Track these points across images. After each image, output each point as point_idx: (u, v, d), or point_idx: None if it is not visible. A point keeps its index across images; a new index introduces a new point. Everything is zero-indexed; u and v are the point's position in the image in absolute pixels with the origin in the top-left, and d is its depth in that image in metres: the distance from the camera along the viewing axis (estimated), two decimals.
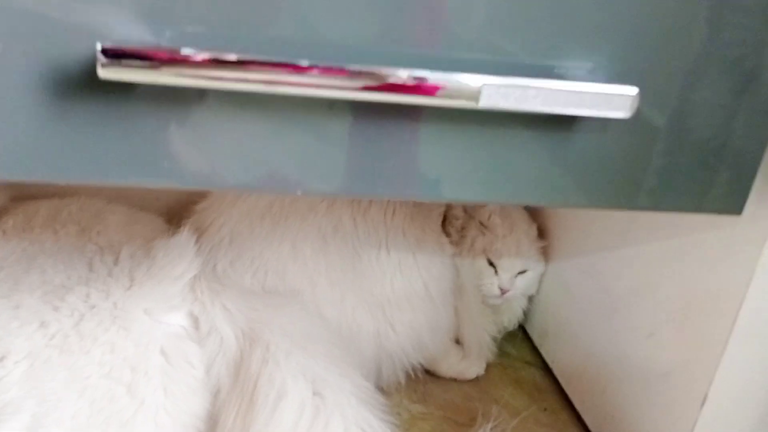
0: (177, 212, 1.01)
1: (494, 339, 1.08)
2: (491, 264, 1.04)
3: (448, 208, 1.07)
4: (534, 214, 1.12)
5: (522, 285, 1.06)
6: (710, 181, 0.58)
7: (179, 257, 0.83)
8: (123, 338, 0.74)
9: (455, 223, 1.06)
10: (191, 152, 0.50)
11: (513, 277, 1.05)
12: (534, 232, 1.09)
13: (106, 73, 0.42)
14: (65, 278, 0.77)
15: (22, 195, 0.95)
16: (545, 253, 1.09)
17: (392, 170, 0.52)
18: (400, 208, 0.98)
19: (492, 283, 1.03)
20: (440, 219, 1.05)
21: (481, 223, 1.06)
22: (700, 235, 0.73)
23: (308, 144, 0.51)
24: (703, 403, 0.72)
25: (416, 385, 0.98)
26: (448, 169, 0.53)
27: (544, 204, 0.56)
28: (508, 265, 1.04)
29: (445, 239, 1.04)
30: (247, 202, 0.95)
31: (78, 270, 0.79)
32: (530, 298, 1.12)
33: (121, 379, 0.72)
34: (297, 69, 0.43)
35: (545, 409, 0.98)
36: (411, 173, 0.52)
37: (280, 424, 0.70)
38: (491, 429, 0.84)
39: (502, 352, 1.09)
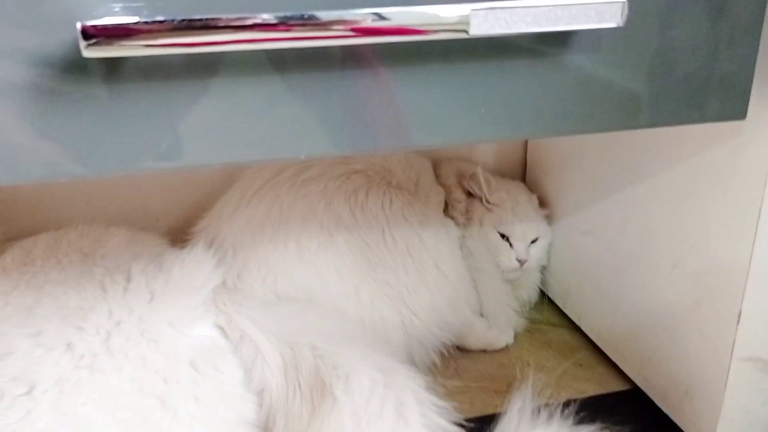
0: (178, 233, 1.02)
1: (518, 313, 1.09)
2: (504, 238, 1.06)
3: (448, 193, 1.09)
4: (530, 187, 1.16)
5: (536, 254, 1.10)
6: (709, 88, 0.59)
7: (196, 269, 0.86)
8: (154, 351, 0.76)
9: (458, 207, 1.09)
10: (187, 130, 0.51)
11: (527, 247, 1.08)
12: (536, 201, 1.14)
13: (90, 51, 0.43)
14: (80, 300, 0.79)
15: (16, 233, 0.95)
16: (549, 221, 1.12)
17: (391, 119, 0.54)
18: (397, 197, 1.01)
19: (509, 257, 1.07)
20: (441, 205, 1.08)
21: (487, 201, 1.07)
22: (707, 155, 0.74)
23: (300, 106, 0.52)
24: (738, 321, 0.73)
25: (449, 362, 1.01)
26: (446, 111, 0.54)
27: (547, 134, 0.58)
28: (521, 235, 1.08)
29: (449, 221, 1.07)
30: (245, 212, 0.97)
31: (91, 291, 0.80)
32: (544, 269, 1.13)
33: (155, 392, 0.74)
34: (278, 25, 0.44)
35: (580, 365, 0.99)
36: (409, 120, 0.54)
37: (351, 402, 0.71)
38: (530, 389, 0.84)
39: (528, 320, 1.10)
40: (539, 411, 0.75)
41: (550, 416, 0.73)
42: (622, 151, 0.92)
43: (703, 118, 0.62)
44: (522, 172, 1.21)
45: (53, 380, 0.73)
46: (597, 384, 0.96)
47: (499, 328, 1.05)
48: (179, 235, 1.02)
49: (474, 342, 1.04)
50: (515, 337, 1.07)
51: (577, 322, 1.08)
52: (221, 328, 0.84)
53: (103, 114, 0.50)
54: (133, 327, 0.77)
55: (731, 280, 0.74)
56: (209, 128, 0.52)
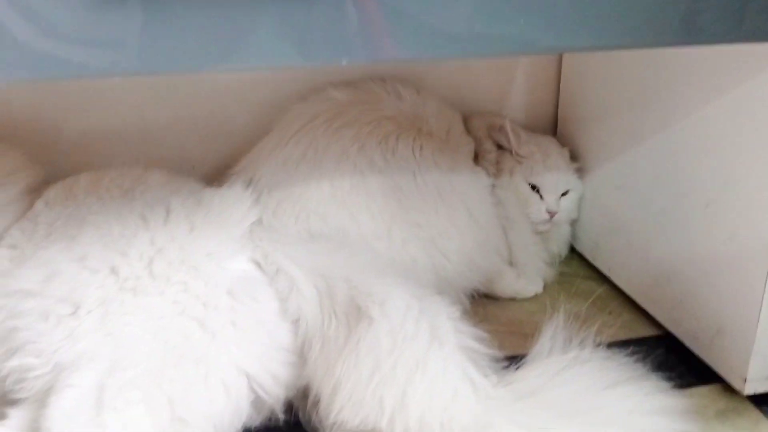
0: (212, 181, 1.04)
1: (548, 265, 1.10)
2: (535, 190, 1.07)
3: (478, 144, 1.09)
4: (562, 142, 1.17)
5: (566, 206, 1.11)
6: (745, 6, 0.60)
7: (234, 205, 0.89)
8: (194, 278, 0.79)
9: (488, 157, 1.10)
10: (232, 34, 0.53)
11: (558, 199, 1.08)
12: (567, 154, 1.15)
13: None
14: (122, 229, 0.82)
15: (57, 176, 0.97)
16: (580, 174, 1.13)
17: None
18: (427, 143, 1.03)
19: (539, 209, 1.08)
20: (471, 154, 1.09)
21: (517, 154, 1.08)
22: (741, 90, 0.75)
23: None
24: None
25: (478, 308, 1.01)
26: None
27: (586, 47, 0.59)
28: (551, 187, 1.09)
29: (479, 169, 1.08)
30: (282, 154, 0.99)
31: (132, 221, 0.83)
32: (573, 223, 1.14)
33: (195, 315, 0.77)
34: None
35: (610, 313, 1.01)
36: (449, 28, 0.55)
37: (388, 322, 0.73)
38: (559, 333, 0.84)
39: (557, 272, 1.11)
40: (571, 339, 0.76)
41: (583, 342, 0.75)
42: (653, 96, 0.93)
43: (739, 38, 0.62)
44: (553, 128, 1.22)
45: (98, 301, 0.75)
46: (627, 330, 0.98)
47: (528, 277, 1.06)
48: (214, 183, 1.04)
49: (503, 289, 1.05)
50: (544, 287, 1.09)
51: (606, 274, 1.09)
52: (257, 263, 0.86)
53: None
54: (175, 254, 0.80)
55: (765, 214, 0.75)
56: (256, 31, 0.54)
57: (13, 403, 0.75)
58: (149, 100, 1.09)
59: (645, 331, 0.97)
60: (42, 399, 0.72)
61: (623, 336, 0.96)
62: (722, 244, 0.82)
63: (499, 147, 1.11)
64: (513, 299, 1.06)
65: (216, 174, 1.09)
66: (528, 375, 0.73)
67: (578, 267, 1.15)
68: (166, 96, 1.09)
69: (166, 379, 0.71)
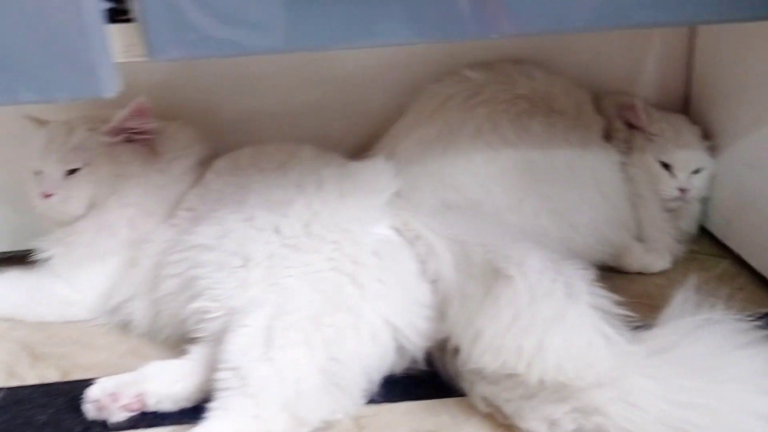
0: (352, 157, 1.13)
1: (677, 242, 1.11)
2: (666, 167, 1.09)
3: (609, 122, 1.12)
4: (694, 120, 1.17)
5: (698, 184, 1.12)
6: None
7: (378, 175, 0.98)
8: (344, 238, 0.88)
9: (619, 136, 1.13)
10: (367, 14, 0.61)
11: (689, 177, 1.10)
12: (699, 132, 1.14)
13: None
14: (281, 195, 0.92)
15: (219, 151, 1.09)
16: (712, 152, 1.13)
17: None
18: (559, 120, 1.06)
19: (670, 186, 1.10)
20: (601, 132, 1.12)
21: (648, 132, 1.10)
22: None
23: None
24: None
25: (605, 281, 1.03)
26: None
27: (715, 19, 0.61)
28: (683, 165, 1.10)
29: (610, 147, 1.10)
30: (419, 132, 1.07)
31: (290, 189, 0.94)
32: (704, 200, 1.14)
33: (346, 270, 0.86)
34: None
35: (740, 289, 1.00)
36: None
37: (526, 279, 0.78)
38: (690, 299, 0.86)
39: (686, 250, 1.12)
40: (701, 305, 0.79)
41: (713, 306, 0.77)
42: None
43: None
44: (684, 106, 1.22)
45: (264, 255, 0.86)
46: (757, 304, 0.98)
47: (656, 252, 1.09)
48: (354, 158, 1.13)
49: (631, 263, 1.08)
50: (673, 263, 1.10)
51: (737, 251, 1.09)
52: (398, 230, 0.94)
53: None
54: (328, 217, 0.90)
55: None
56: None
57: (192, 341, 0.87)
58: (296, 83, 1.19)
59: None
60: (217, 338, 0.83)
61: (752, 310, 0.96)
62: None
63: (630, 126, 1.13)
64: (640, 273, 1.08)
65: (355, 151, 1.18)
66: (660, 333, 0.77)
67: (708, 245, 1.15)
68: (311, 79, 1.19)
69: (322, 325, 0.81)
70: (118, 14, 0.64)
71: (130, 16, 0.64)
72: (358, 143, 1.21)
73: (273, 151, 1.04)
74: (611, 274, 1.08)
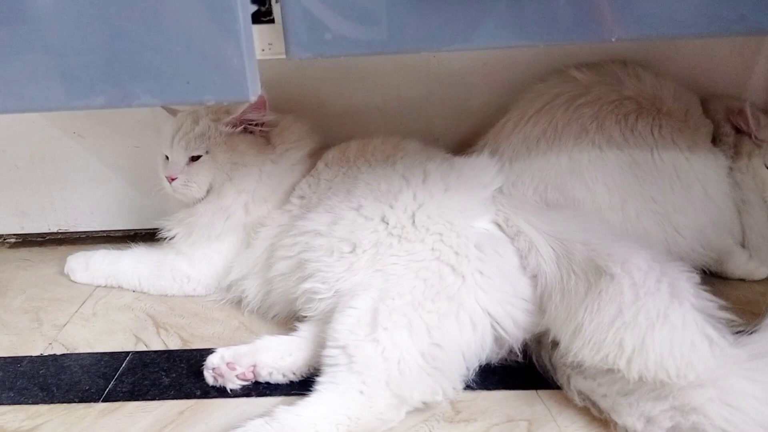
0: (454, 152, 1.16)
1: None
2: None
3: (716, 128, 1.11)
4: None
5: None
6: None
7: (482, 170, 1.01)
8: (448, 230, 0.92)
9: (726, 140, 1.12)
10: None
11: None
12: None
13: None
14: (388, 186, 0.97)
15: (327, 143, 1.15)
16: None
17: None
18: (667, 123, 1.07)
19: None
20: (709, 136, 1.11)
21: (757, 137, 1.08)
22: None
23: None
24: None
25: (707, 285, 1.02)
26: None
27: None
28: None
29: (717, 151, 1.10)
30: (523, 131, 1.09)
31: (396, 181, 0.98)
32: None
33: (449, 260, 0.89)
34: None
35: None
36: None
37: (630, 277, 0.80)
38: None
39: None
40: None
41: None
42: None
43: None
44: None
45: (371, 243, 0.91)
46: None
47: (760, 260, 1.07)
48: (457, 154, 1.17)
49: (733, 269, 1.07)
50: None
51: None
52: (499, 225, 0.97)
53: None
54: (433, 209, 0.93)
55: None
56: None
57: (302, 319, 0.94)
58: (403, 79, 1.24)
59: None
60: (324, 318, 0.89)
61: None
62: None
63: (738, 131, 1.12)
64: (742, 280, 1.07)
65: (456, 147, 1.21)
66: (762, 338, 0.77)
67: None
68: (417, 76, 1.24)
69: (425, 311, 0.85)
70: (260, 15, 0.70)
71: (272, 17, 0.69)
72: (460, 139, 1.25)
73: (379, 143, 1.09)
74: (712, 279, 1.07)
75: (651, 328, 0.75)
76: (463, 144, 1.21)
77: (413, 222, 0.92)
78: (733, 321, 0.80)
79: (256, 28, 0.70)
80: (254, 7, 0.67)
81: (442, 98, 1.25)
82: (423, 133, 1.25)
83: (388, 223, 0.92)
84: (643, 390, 0.75)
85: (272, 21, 0.69)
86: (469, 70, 1.23)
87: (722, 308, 0.80)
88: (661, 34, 0.69)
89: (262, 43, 0.71)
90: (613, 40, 0.66)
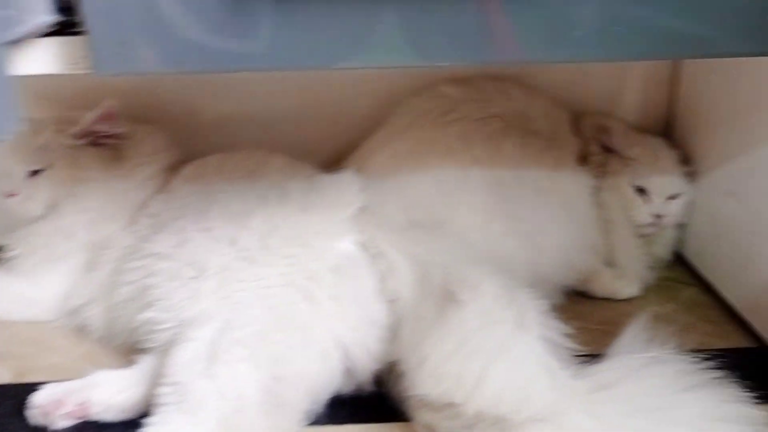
0: (329, 167, 1.12)
1: (649, 269, 1.10)
2: (641, 193, 1.07)
3: (585, 146, 1.11)
4: (676, 144, 1.16)
5: (674, 210, 1.10)
6: None
7: (344, 188, 0.97)
8: (303, 253, 0.87)
9: (594, 159, 1.12)
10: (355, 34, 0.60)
11: (665, 202, 1.08)
12: (677, 156, 1.13)
13: None
14: (243, 206, 0.91)
15: (192, 156, 1.09)
16: (690, 178, 1.11)
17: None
18: (533, 142, 1.06)
19: (645, 212, 1.08)
20: (575, 155, 1.11)
21: (624, 156, 1.08)
22: None
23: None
24: None
25: (572, 305, 1.03)
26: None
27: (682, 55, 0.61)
28: (659, 190, 1.09)
29: (582, 169, 1.10)
30: (391, 148, 1.06)
31: (253, 200, 0.93)
32: (680, 227, 1.13)
33: (300, 286, 0.85)
34: None
35: (710, 321, 0.99)
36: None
37: (477, 305, 0.78)
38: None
39: (658, 276, 1.10)
40: (654, 339, 0.77)
41: (665, 343, 0.76)
42: None
43: None
44: (666, 130, 1.21)
45: (219, 267, 0.86)
46: (725, 339, 0.97)
47: (626, 279, 1.07)
48: (329, 169, 1.12)
49: (599, 289, 1.07)
50: (644, 291, 1.08)
51: (710, 281, 1.07)
52: (361, 245, 0.93)
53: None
54: (288, 231, 0.89)
55: None
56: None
57: (142, 351, 0.87)
58: (276, 90, 1.19)
59: (744, 342, 0.96)
60: (165, 350, 0.83)
61: (718, 345, 0.94)
62: None
63: (607, 149, 1.12)
64: (609, 300, 1.07)
65: (332, 160, 1.17)
66: (605, 369, 0.75)
67: (682, 273, 1.13)
68: (291, 86, 1.19)
69: (270, 341, 0.80)
70: (67, 27, 0.64)
71: (79, 29, 0.63)
72: (336, 153, 1.20)
73: (242, 159, 1.03)
74: (580, 299, 1.07)
75: (492, 360, 0.72)
76: (339, 158, 1.17)
77: (265, 244, 0.87)
78: (584, 347, 0.79)
79: (64, 41, 0.64)
80: (59, 18, 0.62)
81: (316, 110, 1.21)
82: (298, 145, 1.20)
83: (237, 246, 0.87)
84: (483, 425, 0.73)
85: (79, 33, 0.63)
86: (346, 80, 1.19)
87: (582, 330, 0.79)
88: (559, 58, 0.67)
89: (72, 56, 0.65)
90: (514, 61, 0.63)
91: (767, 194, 0.93)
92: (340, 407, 0.84)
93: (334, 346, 0.83)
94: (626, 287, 1.07)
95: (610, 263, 1.09)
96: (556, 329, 0.78)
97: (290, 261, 0.86)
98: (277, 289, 0.84)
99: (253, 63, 0.66)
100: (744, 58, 0.97)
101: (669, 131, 1.20)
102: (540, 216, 1.01)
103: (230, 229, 0.89)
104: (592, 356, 0.80)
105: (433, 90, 1.11)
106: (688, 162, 1.12)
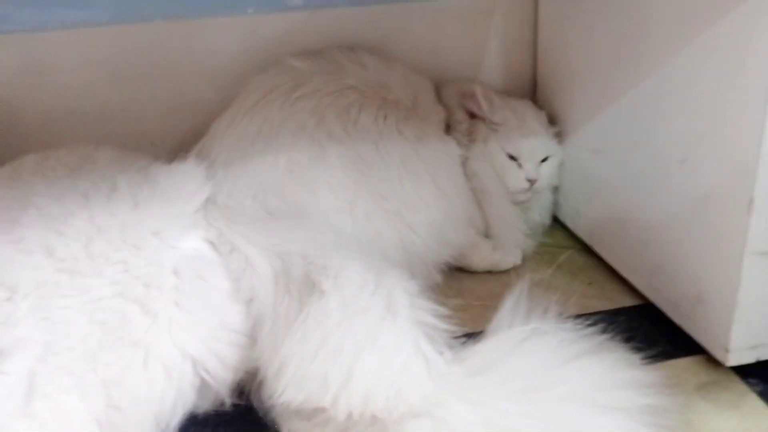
0: (175, 157, 1.00)
1: (528, 236, 1.05)
2: (512, 158, 1.02)
3: (450, 114, 1.06)
4: (541, 105, 1.12)
5: (547, 173, 1.06)
6: None
7: (184, 180, 0.85)
8: (135, 257, 0.75)
9: (460, 127, 1.07)
10: None
11: (537, 166, 1.04)
12: (544, 118, 1.10)
13: None
14: (62, 209, 0.78)
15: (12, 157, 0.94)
16: (559, 139, 1.08)
17: None
18: (392, 112, 0.98)
19: (518, 177, 1.03)
20: (441, 124, 1.05)
21: (490, 121, 1.03)
22: (712, 33, 0.70)
23: None
24: (749, 211, 0.68)
25: (452, 282, 0.98)
26: None
27: None
28: (530, 154, 1.04)
29: (450, 140, 1.04)
30: (236, 131, 0.96)
31: (73, 201, 0.79)
32: (555, 190, 1.09)
33: (135, 296, 0.73)
34: None
35: (590, 284, 0.97)
36: None
37: (339, 295, 0.70)
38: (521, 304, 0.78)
39: (538, 242, 1.07)
40: (534, 309, 0.71)
41: (546, 312, 0.70)
42: (627, 51, 0.88)
43: None
44: (532, 91, 1.17)
45: (33, 284, 0.72)
46: (607, 300, 0.94)
47: (505, 249, 1.02)
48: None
49: (478, 262, 1.01)
50: (524, 259, 1.04)
51: (588, 242, 1.05)
52: (211, 243, 0.82)
53: None
54: (115, 233, 0.76)
55: (741, 167, 0.70)
56: None
57: None
58: (105, 79, 1.05)
59: (626, 301, 0.93)
60: None
61: (603, 307, 0.92)
62: (698, 204, 0.77)
63: (473, 115, 1.06)
64: (490, 272, 1.01)
65: (179, 150, 1.05)
66: (483, 349, 0.69)
67: (561, 237, 1.10)
68: (122, 74, 1.06)
69: (101, 364, 0.68)
70: None
71: None
72: (181, 141, 1.08)
73: (62, 155, 0.89)
74: (460, 274, 1.01)
75: (358, 354, 0.64)
76: (186, 146, 1.05)
77: (89, 251, 0.74)
78: (461, 328, 0.72)
79: None
80: None
81: (153, 96, 1.08)
82: (136, 138, 1.08)
83: (54, 256, 0.73)
84: (358, 428, 0.64)
85: None
86: (181, 59, 1.07)
87: (463, 310, 0.74)
88: None
89: None
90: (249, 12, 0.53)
91: (631, 148, 0.90)
92: (201, 426, 0.74)
93: (180, 359, 0.72)
94: (506, 257, 1.02)
95: (487, 235, 1.03)
96: (430, 311, 0.71)
97: (121, 267, 0.74)
98: (106, 301, 0.72)
99: None
100: (597, 11, 0.94)
101: (534, 93, 1.16)
102: (406, 192, 0.93)
103: (45, 236, 0.75)
104: (475, 335, 0.75)
105: (281, 64, 1.00)
106: (555, 123, 1.09)
